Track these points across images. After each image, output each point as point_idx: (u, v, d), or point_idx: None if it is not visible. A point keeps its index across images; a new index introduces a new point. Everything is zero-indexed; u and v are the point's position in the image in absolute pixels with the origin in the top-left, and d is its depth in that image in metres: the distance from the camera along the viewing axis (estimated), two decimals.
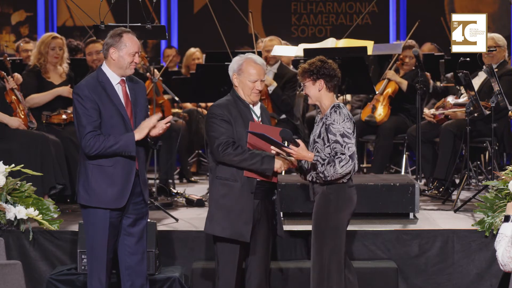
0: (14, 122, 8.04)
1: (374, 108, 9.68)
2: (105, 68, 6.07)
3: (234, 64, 6.08)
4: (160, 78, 9.62)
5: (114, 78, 6.05)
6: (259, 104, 6.17)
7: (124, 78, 6.08)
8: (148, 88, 8.62)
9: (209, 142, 6.09)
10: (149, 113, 6.30)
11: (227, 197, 6.00)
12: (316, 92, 6.00)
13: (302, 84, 6.09)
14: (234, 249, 6.03)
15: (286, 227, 6.76)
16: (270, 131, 5.98)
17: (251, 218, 5.98)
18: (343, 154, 5.85)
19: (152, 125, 6.00)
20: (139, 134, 5.98)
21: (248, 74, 6.02)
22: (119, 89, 6.05)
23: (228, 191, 6.00)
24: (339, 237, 5.96)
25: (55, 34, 8.86)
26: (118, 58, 6.01)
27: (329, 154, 5.88)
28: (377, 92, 9.71)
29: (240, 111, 6.03)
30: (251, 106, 6.09)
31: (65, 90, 8.54)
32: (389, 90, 9.73)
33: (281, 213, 6.57)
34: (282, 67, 9.64)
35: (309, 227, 7.23)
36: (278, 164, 5.95)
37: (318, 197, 6.00)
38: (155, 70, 9.46)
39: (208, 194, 8.86)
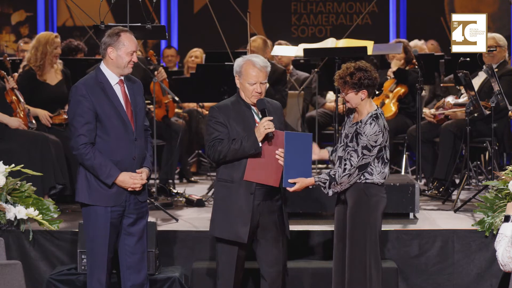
0: (14, 122, 8.03)
1: (383, 104, 9.66)
2: (103, 67, 6.04)
3: (236, 65, 6.05)
4: (166, 80, 9.61)
5: (113, 78, 6.03)
6: None
7: (123, 78, 6.07)
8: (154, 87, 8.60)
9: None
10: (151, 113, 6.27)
11: (226, 199, 6.00)
12: (359, 101, 6.00)
13: (340, 91, 6.06)
14: (232, 250, 6.02)
15: None
16: (278, 135, 5.97)
17: (249, 219, 5.96)
18: (351, 165, 5.89)
19: (136, 187, 5.98)
20: (122, 180, 5.93)
21: (247, 76, 5.98)
22: (118, 90, 6.03)
23: (227, 193, 6.00)
24: (376, 235, 5.98)
25: (55, 33, 8.84)
26: (116, 57, 5.99)
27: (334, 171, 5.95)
28: (388, 89, 9.71)
29: (240, 112, 6.02)
30: (252, 107, 6.08)
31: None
32: (401, 89, 9.69)
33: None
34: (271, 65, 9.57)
35: (308, 228, 7.28)
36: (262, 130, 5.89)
37: (354, 197, 5.99)
38: (162, 70, 9.44)
39: (208, 194, 8.93)
